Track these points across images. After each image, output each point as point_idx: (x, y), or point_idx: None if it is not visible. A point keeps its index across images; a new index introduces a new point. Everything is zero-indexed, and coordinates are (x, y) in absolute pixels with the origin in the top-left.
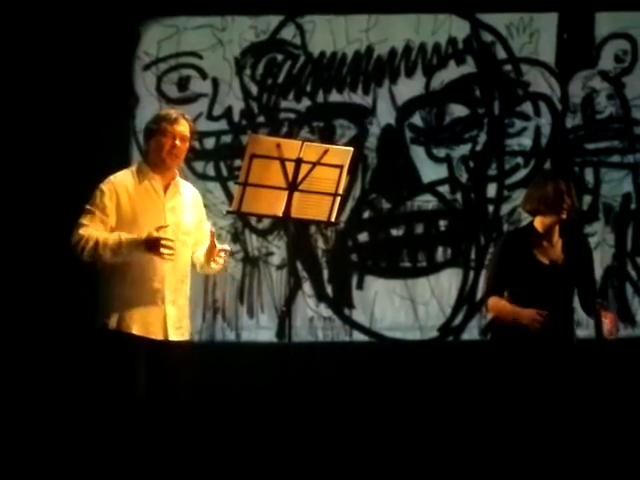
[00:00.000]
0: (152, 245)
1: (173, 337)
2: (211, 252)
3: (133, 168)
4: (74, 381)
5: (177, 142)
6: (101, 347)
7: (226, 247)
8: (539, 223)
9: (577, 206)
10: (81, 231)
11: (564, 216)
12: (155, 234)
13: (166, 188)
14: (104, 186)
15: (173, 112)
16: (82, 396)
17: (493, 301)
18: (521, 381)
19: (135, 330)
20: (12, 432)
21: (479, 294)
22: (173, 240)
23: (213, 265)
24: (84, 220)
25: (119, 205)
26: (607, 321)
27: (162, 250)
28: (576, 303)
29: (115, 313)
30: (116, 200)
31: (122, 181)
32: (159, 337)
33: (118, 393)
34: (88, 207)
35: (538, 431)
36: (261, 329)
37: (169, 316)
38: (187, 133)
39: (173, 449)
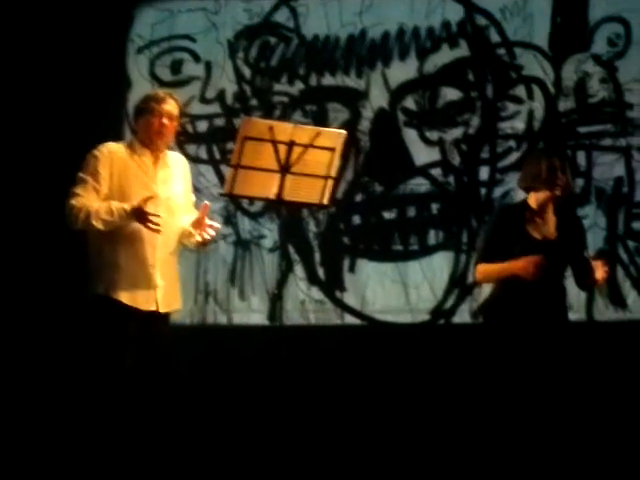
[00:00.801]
0: (139, 216)
1: (162, 309)
2: (200, 224)
3: (125, 142)
4: (64, 347)
5: (164, 121)
6: (90, 312)
7: (216, 225)
8: (533, 199)
9: (571, 184)
10: (73, 201)
11: (558, 193)
12: (142, 206)
13: (156, 162)
14: (97, 152)
15: (161, 92)
16: (72, 361)
17: (481, 267)
18: (514, 363)
19: (124, 299)
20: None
21: (471, 277)
22: (159, 216)
23: (197, 238)
24: (77, 189)
25: (112, 173)
26: (599, 268)
27: (148, 223)
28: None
29: (105, 280)
30: (109, 167)
31: (115, 149)
32: (148, 308)
33: (106, 358)
34: (81, 175)
35: (531, 413)
36: (253, 312)
37: (159, 287)
38: (175, 112)
39: (161, 428)
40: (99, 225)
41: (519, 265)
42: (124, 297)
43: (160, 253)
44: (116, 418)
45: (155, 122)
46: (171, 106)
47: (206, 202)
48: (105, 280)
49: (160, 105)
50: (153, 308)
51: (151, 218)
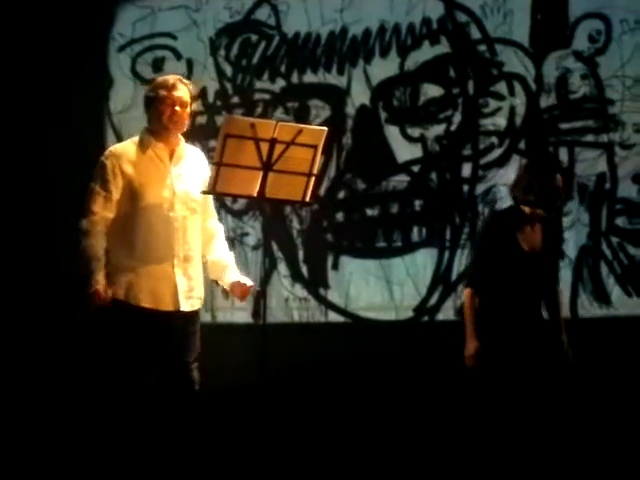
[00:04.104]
0: (89, 301)
1: (184, 308)
2: (237, 290)
3: (135, 138)
4: (82, 351)
5: (177, 108)
6: (109, 317)
7: (250, 283)
8: (527, 208)
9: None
10: (86, 225)
11: (554, 213)
12: (95, 298)
13: (171, 155)
14: (105, 160)
15: (170, 77)
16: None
17: (466, 297)
18: (497, 362)
19: (144, 303)
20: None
21: (454, 274)
22: (101, 314)
23: (224, 286)
24: (92, 205)
25: (122, 176)
26: None
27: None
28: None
29: (123, 284)
30: (119, 171)
31: (124, 151)
32: (169, 308)
33: (127, 363)
34: (92, 185)
35: (514, 410)
36: (236, 310)
37: (179, 286)
38: (186, 98)
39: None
40: (81, 262)
41: (469, 349)
42: (144, 300)
43: (180, 251)
44: (133, 424)
45: (167, 110)
46: (182, 92)
47: (252, 284)
48: (124, 284)
49: (170, 92)
50: (172, 308)
51: (93, 313)
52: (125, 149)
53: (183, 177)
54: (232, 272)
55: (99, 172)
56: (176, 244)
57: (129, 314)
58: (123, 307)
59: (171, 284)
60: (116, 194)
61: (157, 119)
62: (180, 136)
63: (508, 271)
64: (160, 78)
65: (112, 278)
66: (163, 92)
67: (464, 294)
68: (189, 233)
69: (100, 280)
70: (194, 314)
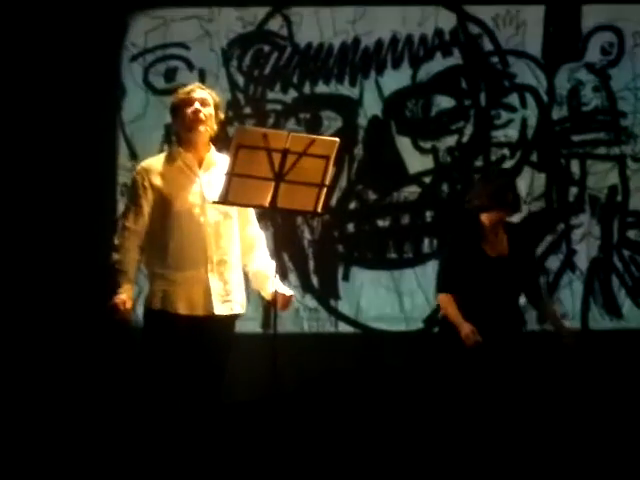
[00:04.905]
0: (109, 312)
1: (219, 311)
2: (278, 301)
3: (165, 153)
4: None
5: (197, 105)
6: (146, 327)
7: (289, 293)
8: (485, 218)
9: (520, 202)
10: (117, 240)
11: (509, 213)
12: (115, 306)
13: (200, 163)
14: (136, 175)
15: (189, 85)
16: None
17: (443, 300)
18: (467, 372)
19: (181, 310)
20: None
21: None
22: (128, 320)
23: (266, 296)
24: (124, 220)
25: (152, 189)
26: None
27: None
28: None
29: (159, 293)
30: (149, 184)
31: (152, 164)
32: (204, 313)
33: (163, 372)
34: (127, 203)
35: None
36: (246, 320)
37: (213, 289)
38: (206, 97)
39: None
40: (113, 272)
41: (465, 330)
42: (181, 307)
43: (212, 256)
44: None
45: (189, 111)
46: (201, 93)
47: (292, 293)
48: (160, 293)
49: (189, 94)
50: (207, 313)
51: (118, 318)
52: (154, 162)
53: (213, 183)
54: (272, 282)
55: (130, 188)
56: (209, 249)
57: (167, 322)
58: (160, 316)
59: (205, 288)
60: (147, 207)
61: (182, 123)
62: (210, 144)
63: (477, 276)
64: (180, 88)
65: (150, 288)
66: (182, 95)
67: (439, 299)
68: (223, 238)
69: (121, 294)
70: (232, 319)
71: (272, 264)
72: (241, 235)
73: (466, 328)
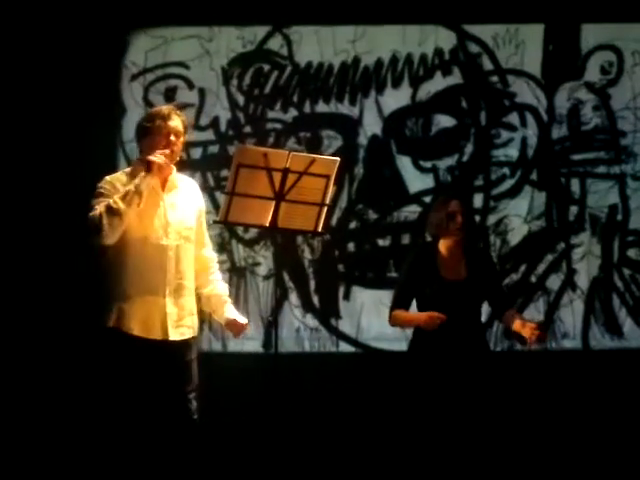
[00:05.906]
0: (151, 162)
1: (173, 337)
2: (233, 328)
3: (127, 170)
4: (74, 378)
5: (172, 138)
6: (100, 345)
7: (243, 321)
8: (441, 244)
9: (473, 225)
10: (90, 213)
11: (457, 237)
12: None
13: (164, 185)
14: (103, 184)
15: (165, 108)
16: (82, 392)
17: (394, 313)
18: (433, 391)
19: (135, 330)
20: (12, 430)
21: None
22: (171, 152)
23: (220, 321)
24: (92, 203)
25: None
26: (527, 328)
27: (159, 161)
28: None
29: (114, 310)
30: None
31: (118, 180)
32: (159, 337)
33: (118, 390)
34: (91, 204)
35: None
36: (247, 339)
37: (169, 315)
38: (181, 128)
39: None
40: (123, 204)
41: (423, 318)
42: (135, 328)
43: (172, 280)
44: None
45: (162, 141)
46: (177, 122)
47: (245, 322)
48: (115, 311)
49: (166, 122)
50: (162, 337)
51: (160, 156)
52: (119, 179)
53: (176, 206)
54: (228, 308)
55: (96, 196)
56: (168, 273)
57: (121, 341)
58: (115, 334)
59: (161, 313)
60: None
61: (152, 149)
62: (172, 166)
63: (432, 299)
64: (154, 109)
65: (103, 304)
66: (158, 122)
67: (392, 315)
68: (183, 262)
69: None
70: (187, 343)
71: (225, 287)
72: (196, 256)
73: (422, 316)
